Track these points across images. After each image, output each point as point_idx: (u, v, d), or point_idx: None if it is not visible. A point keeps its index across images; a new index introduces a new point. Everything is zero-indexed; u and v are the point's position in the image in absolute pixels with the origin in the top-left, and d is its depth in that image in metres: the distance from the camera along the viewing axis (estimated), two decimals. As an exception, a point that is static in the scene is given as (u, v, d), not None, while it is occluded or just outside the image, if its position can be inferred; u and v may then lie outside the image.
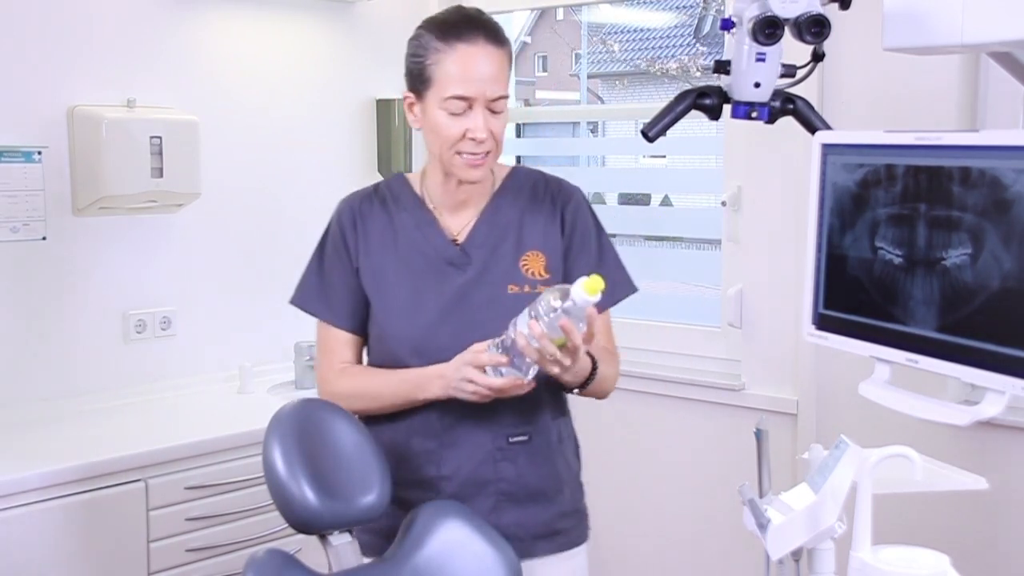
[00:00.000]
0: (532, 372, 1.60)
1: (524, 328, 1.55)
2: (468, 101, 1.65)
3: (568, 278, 1.77)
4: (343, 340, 1.79)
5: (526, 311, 1.57)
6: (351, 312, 1.78)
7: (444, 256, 1.75)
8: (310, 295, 1.82)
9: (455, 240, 1.77)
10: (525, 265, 1.76)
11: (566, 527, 1.81)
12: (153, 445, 2.37)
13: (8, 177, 2.50)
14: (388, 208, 1.80)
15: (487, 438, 1.73)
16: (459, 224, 1.78)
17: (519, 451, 1.74)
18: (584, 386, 1.71)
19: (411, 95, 1.73)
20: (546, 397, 1.76)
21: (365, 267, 1.77)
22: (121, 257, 2.75)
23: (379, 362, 1.78)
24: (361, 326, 1.79)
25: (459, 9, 1.73)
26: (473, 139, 1.66)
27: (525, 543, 1.72)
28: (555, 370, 1.60)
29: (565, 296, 1.52)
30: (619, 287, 1.83)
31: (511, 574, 1.59)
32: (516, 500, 1.74)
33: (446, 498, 1.69)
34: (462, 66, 1.65)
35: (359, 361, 1.82)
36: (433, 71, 1.67)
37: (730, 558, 2.74)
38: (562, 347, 1.55)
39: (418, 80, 1.70)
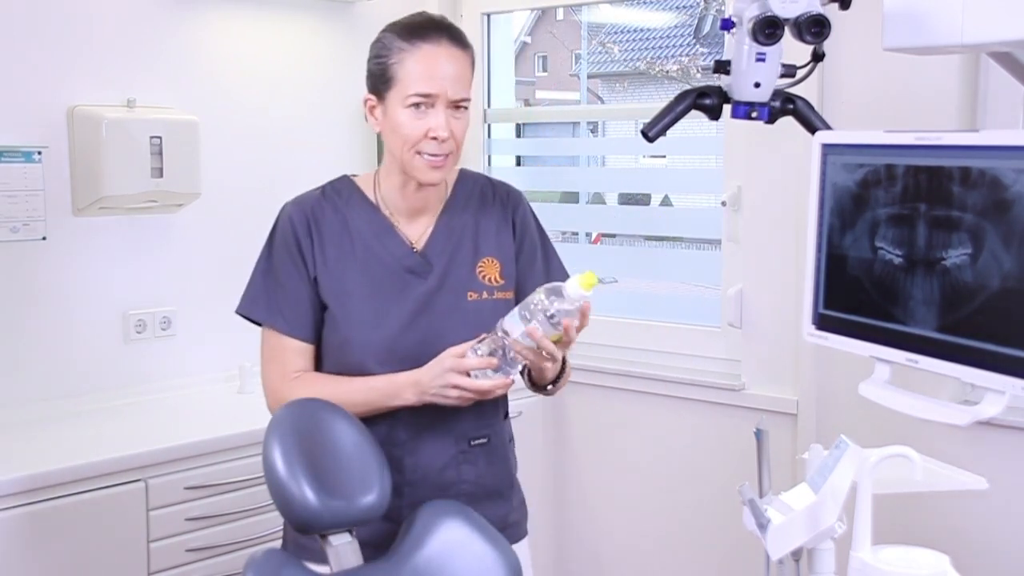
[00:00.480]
0: (516, 371, 1.63)
1: (514, 329, 1.57)
2: (431, 99, 1.66)
3: (519, 282, 1.81)
4: (296, 349, 1.75)
5: (515, 312, 1.59)
6: (306, 321, 1.75)
7: (405, 264, 1.75)
8: (259, 303, 1.77)
9: (414, 247, 1.76)
10: (482, 272, 1.77)
11: (516, 520, 1.85)
12: (153, 445, 2.37)
13: (8, 177, 2.50)
14: (340, 212, 1.77)
15: (450, 442, 1.75)
16: (416, 231, 1.78)
17: (479, 453, 1.77)
18: (556, 380, 1.75)
19: (372, 97, 1.73)
20: (499, 398, 1.78)
21: (324, 276, 1.74)
22: (121, 257, 2.75)
23: (338, 370, 1.75)
24: (314, 335, 1.76)
25: (422, 13, 1.75)
26: (435, 138, 1.66)
27: None
28: (548, 365, 1.64)
29: (558, 293, 1.54)
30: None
31: (511, 574, 1.59)
32: (476, 499, 1.74)
33: (411, 502, 1.69)
34: (425, 64, 1.66)
35: (312, 370, 1.78)
36: (396, 70, 1.67)
37: (730, 558, 2.74)
38: (556, 342, 1.58)
39: (380, 80, 1.70)
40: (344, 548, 1.56)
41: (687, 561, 2.89)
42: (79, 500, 2.23)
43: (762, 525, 1.29)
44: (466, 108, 1.70)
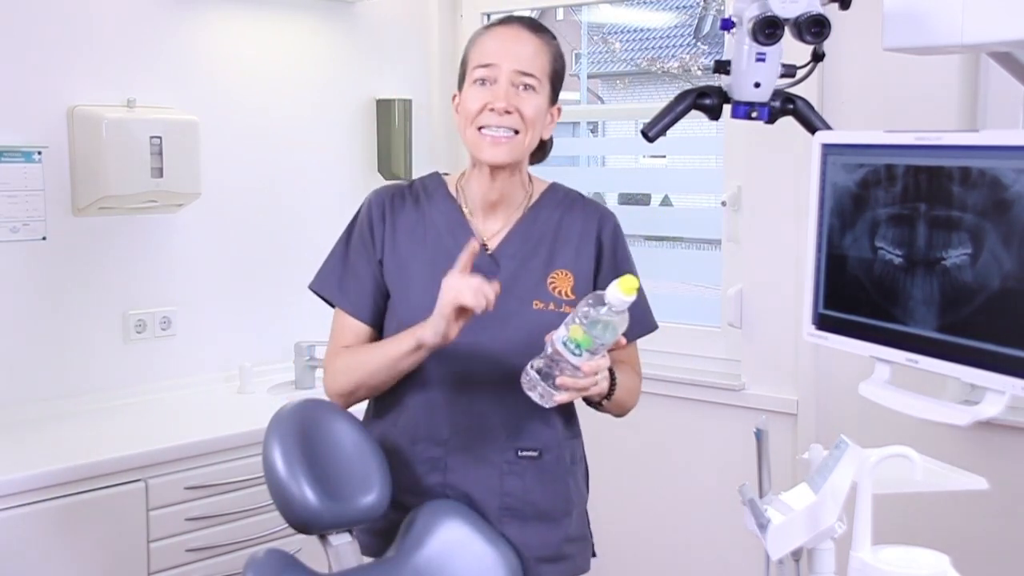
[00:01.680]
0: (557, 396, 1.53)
1: (557, 339, 1.49)
2: (492, 70, 1.65)
3: None
4: (353, 328, 1.76)
5: (561, 326, 1.50)
6: (366, 304, 1.75)
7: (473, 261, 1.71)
8: (329, 281, 1.79)
9: (485, 246, 1.73)
10: (553, 283, 1.73)
11: (572, 553, 1.76)
12: (153, 445, 2.37)
13: (8, 177, 2.50)
14: (420, 205, 1.77)
15: (495, 449, 1.69)
16: (491, 230, 1.75)
17: (528, 467, 1.71)
18: (608, 396, 1.66)
19: (457, 93, 1.73)
20: (558, 415, 1.73)
21: (389, 261, 1.74)
22: (121, 257, 2.75)
23: None
24: (374, 319, 1.75)
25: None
26: (493, 109, 1.64)
27: (527, 564, 1.68)
28: (591, 387, 1.55)
29: (600, 302, 1.46)
30: (642, 324, 1.80)
31: (511, 574, 1.59)
32: (521, 517, 1.70)
33: None
34: (492, 40, 1.69)
35: None
36: (470, 54, 1.71)
37: (730, 558, 2.74)
38: (589, 348, 1.48)
39: (461, 71, 1.73)
40: (344, 548, 1.56)
41: (687, 561, 2.89)
42: (79, 500, 2.23)
43: (762, 525, 1.29)
44: (535, 89, 1.66)
